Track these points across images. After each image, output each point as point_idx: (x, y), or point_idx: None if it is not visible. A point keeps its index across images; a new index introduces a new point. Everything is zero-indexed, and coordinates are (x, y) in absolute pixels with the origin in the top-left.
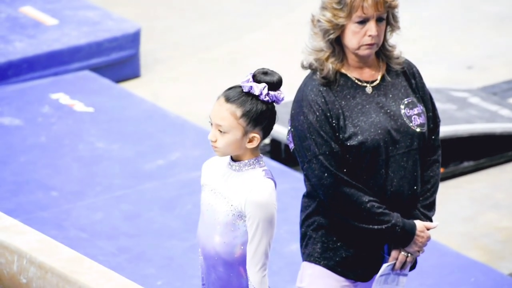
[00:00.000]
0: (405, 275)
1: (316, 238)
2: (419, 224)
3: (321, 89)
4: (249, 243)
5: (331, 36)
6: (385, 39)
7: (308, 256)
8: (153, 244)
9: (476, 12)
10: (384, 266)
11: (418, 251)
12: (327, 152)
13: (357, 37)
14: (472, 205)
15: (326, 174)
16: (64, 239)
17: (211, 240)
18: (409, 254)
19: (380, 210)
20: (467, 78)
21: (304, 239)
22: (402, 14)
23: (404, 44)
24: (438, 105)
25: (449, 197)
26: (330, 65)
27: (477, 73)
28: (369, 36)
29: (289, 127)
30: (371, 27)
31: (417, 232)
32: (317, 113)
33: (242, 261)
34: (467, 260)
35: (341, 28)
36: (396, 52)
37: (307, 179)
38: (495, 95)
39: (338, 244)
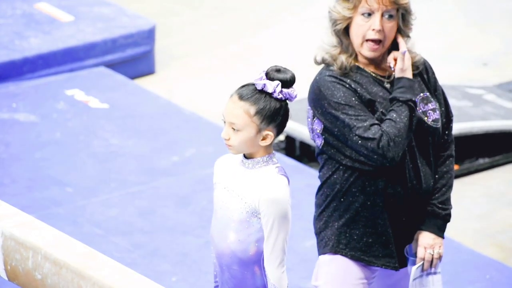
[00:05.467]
0: (437, 273)
1: (338, 229)
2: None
3: (339, 76)
4: (266, 240)
5: (338, 27)
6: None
7: (331, 248)
8: (168, 240)
9: (492, 9)
10: (413, 268)
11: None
12: (365, 120)
13: (362, 30)
14: (488, 202)
15: (371, 139)
16: (79, 235)
17: (225, 238)
18: (434, 252)
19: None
20: (483, 75)
21: (323, 231)
22: (418, 11)
23: (420, 42)
24: (454, 102)
25: (464, 194)
26: (343, 58)
27: (493, 70)
28: (373, 30)
29: (310, 125)
30: (375, 21)
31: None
32: (343, 90)
33: (256, 259)
34: (482, 257)
35: (348, 20)
36: (417, 59)
37: (358, 154)
38: (510, 92)
39: (362, 232)
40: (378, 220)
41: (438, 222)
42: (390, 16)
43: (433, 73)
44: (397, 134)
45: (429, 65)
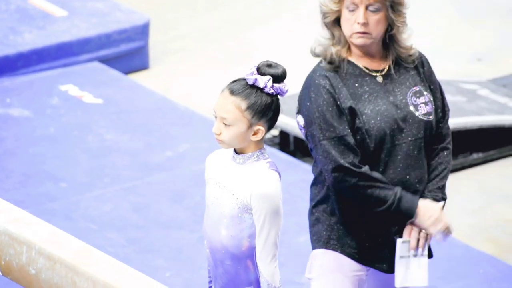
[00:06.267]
0: (424, 256)
1: (330, 225)
2: (423, 200)
3: (327, 74)
4: (258, 236)
5: (327, 20)
6: (396, 38)
7: (323, 243)
8: (162, 235)
9: (485, 4)
10: (399, 242)
11: (431, 227)
12: (335, 137)
13: (349, 24)
14: (481, 197)
15: (328, 160)
16: (73, 230)
17: (217, 233)
18: (422, 230)
19: (388, 186)
20: (477, 71)
21: (315, 226)
22: (412, 7)
23: (414, 38)
24: (448, 97)
25: (458, 189)
26: (333, 49)
27: (487, 66)
28: (358, 23)
29: (297, 110)
30: (359, 15)
31: (420, 205)
32: (325, 96)
33: (249, 254)
34: (476, 252)
35: (337, 13)
36: (410, 59)
37: (316, 163)
38: (504, 87)
39: (354, 229)
40: (369, 219)
41: (433, 197)
42: (376, 9)
43: (430, 66)
44: (356, 186)
45: (426, 59)
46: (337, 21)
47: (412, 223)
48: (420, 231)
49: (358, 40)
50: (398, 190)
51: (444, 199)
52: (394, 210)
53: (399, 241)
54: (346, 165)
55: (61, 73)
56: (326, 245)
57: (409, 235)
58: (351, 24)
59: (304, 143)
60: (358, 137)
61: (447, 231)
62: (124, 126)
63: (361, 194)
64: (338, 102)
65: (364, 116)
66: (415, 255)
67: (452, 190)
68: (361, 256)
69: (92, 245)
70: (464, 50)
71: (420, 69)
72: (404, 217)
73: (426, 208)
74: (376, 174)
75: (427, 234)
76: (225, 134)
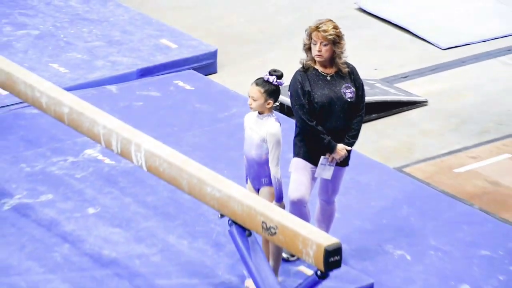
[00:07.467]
0: (333, 166)
1: (300, 147)
2: (340, 144)
3: (301, 74)
4: (270, 153)
5: (304, 47)
6: (337, 58)
7: (296, 154)
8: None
9: (374, 38)
10: (322, 158)
11: (339, 158)
12: (300, 104)
13: (314, 50)
14: (375, 136)
15: (298, 117)
16: None
17: (250, 152)
18: (333, 155)
19: (324, 135)
20: (375, 74)
21: (295, 147)
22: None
23: (345, 58)
24: None
25: (365, 132)
26: (305, 62)
27: (379, 72)
28: (317, 51)
29: (288, 92)
30: (317, 47)
31: (338, 147)
32: (298, 85)
33: (265, 162)
34: (367, 159)
35: (309, 45)
36: (344, 70)
37: (295, 118)
38: (388, 83)
39: (308, 148)
40: (315, 146)
41: (346, 144)
42: (325, 44)
43: (357, 73)
44: (308, 126)
45: (355, 68)
46: (309, 48)
47: (331, 152)
48: (332, 156)
49: (317, 58)
50: (328, 138)
51: (351, 144)
52: (325, 146)
53: (322, 157)
54: (304, 119)
55: (175, 75)
56: (298, 155)
57: (328, 155)
58: (314, 51)
59: (291, 108)
60: (312, 105)
61: (340, 158)
62: (206, 100)
63: (311, 135)
64: (303, 88)
65: (315, 95)
66: (328, 165)
67: (363, 132)
68: (311, 161)
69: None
70: (368, 64)
71: (351, 75)
72: (329, 149)
73: (339, 147)
74: (319, 127)
75: (333, 158)
76: (254, 104)
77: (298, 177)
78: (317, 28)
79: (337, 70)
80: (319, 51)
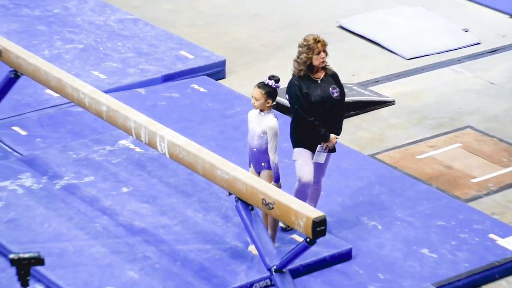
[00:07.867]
0: (326, 152)
1: (299, 138)
2: (332, 134)
3: (297, 80)
4: (269, 143)
5: (302, 59)
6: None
7: (296, 145)
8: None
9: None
10: (318, 146)
11: (331, 145)
12: (300, 104)
13: (318, 59)
14: (353, 128)
15: (298, 114)
16: None
17: (253, 142)
18: (328, 145)
19: (320, 128)
20: (352, 79)
21: (294, 139)
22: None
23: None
24: None
25: (347, 125)
26: (298, 71)
27: (356, 78)
28: (322, 58)
29: (286, 94)
30: (321, 55)
31: (331, 136)
32: (297, 87)
33: (265, 150)
34: (346, 147)
35: (310, 58)
36: (332, 72)
37: (293, 115)
38: (363, 86)
39: (306, 138)
40: (311, 137)
41: (336, 134)
42: (324, 51)
43: (339, 78)
44: (307, 121)
45: (337, 74)
46: (308, 59)
47: (325, 141)
48: (327, 144)
49: (321, 65)
50: (323, 130)
51: (338, 133)
52: (321, 136)
53: (318, 146)
54: (305, 116)
55: (192, 80)
56: (297, 145)
57: (322, 144)
58: (319, 58)
59: (286, 107)
60: (309, 104)
61: (332, 145)
62: (216, 100)
63: (309, 129)
64: (302, 91)
65: (311, 96)
66: (323, 152)
67: (343, 126)
68: (310, 149)
69: None
70: (347, 71)
71: (336, 79)
72: (324, 139)
73: (331, 136)
74: (316, 121)
75: (327, 146)
76: (256, 103)
77: (306, 163)
78: (317, 41)
79: (325, 74)
80: (323, 57)
